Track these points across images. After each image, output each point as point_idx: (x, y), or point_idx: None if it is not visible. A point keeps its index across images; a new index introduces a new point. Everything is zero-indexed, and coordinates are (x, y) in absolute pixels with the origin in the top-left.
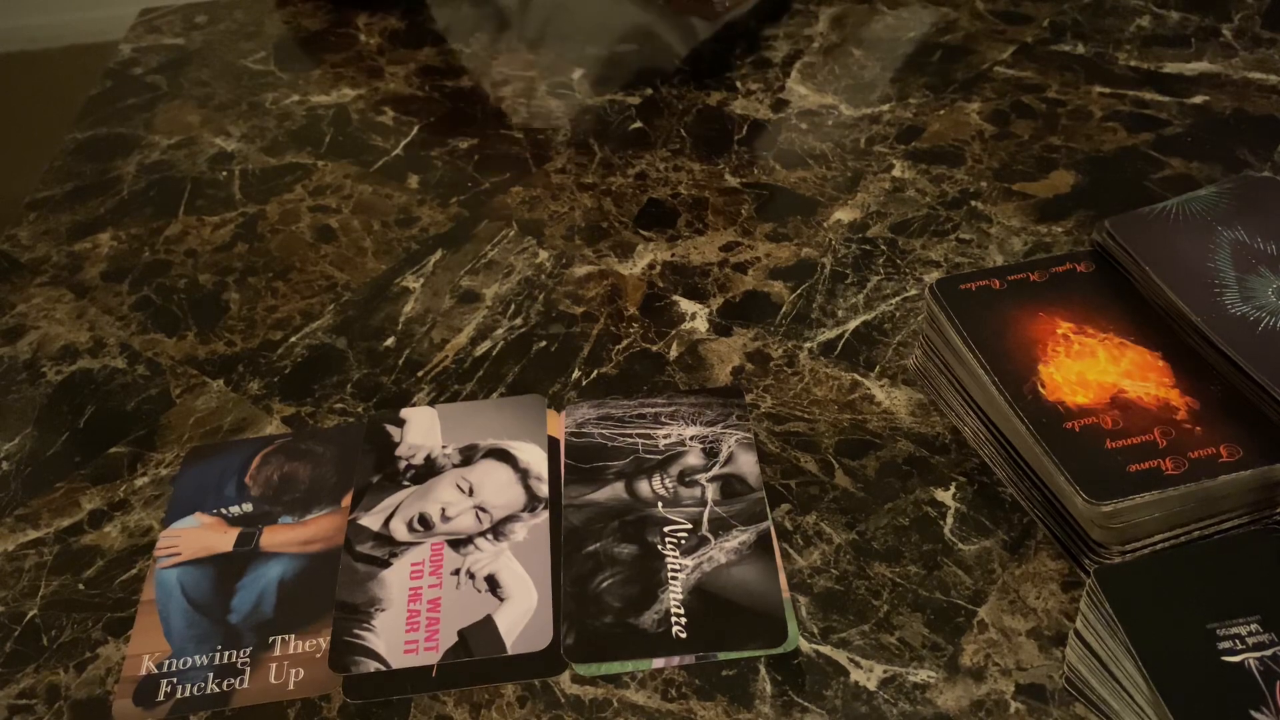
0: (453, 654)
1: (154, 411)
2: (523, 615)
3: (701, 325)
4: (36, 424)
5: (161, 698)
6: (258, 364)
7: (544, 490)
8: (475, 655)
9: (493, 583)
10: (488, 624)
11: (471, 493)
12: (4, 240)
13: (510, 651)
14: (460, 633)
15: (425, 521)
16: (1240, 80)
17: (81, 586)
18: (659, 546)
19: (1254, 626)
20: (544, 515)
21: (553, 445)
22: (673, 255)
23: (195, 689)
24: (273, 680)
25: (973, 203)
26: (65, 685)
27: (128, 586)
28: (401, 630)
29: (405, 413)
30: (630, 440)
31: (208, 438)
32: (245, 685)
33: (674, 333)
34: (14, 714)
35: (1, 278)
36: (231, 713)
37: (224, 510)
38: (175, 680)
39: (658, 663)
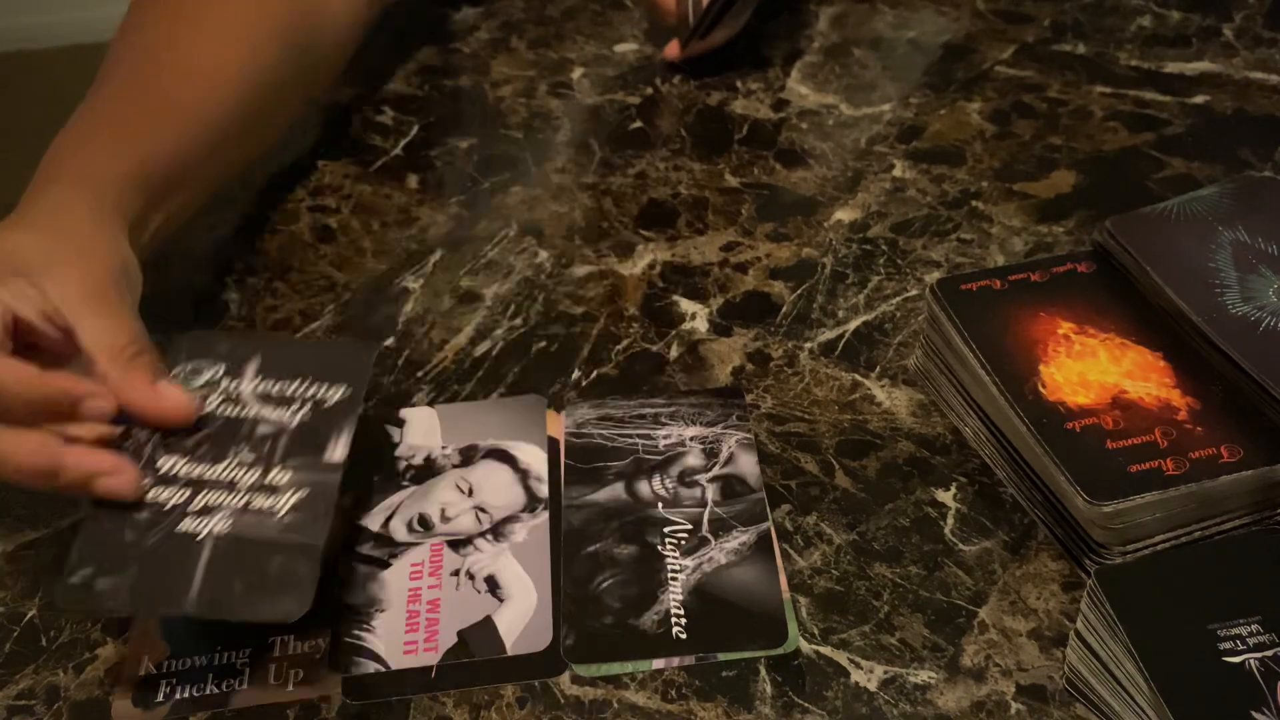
0: (452, 655)
1: None
2: (522, 616)
3: (701, 325)
4: None
5: (161, 698)
6: None
7: (544, 491)
8: (475, 656)
9: (492, 583)
10: (487, 625)
11: (471, 493)
12: None
13: (510, 652)
14: (460, 633)
15: (425, 522)
16: (1241, 80)
17: None
18: (659, 547)
19: (1254, 627)
20: (544, 516)
21: (553, 446)
22: (673, 255)
23: (194, 689)
24: (272, 680)
25: (973, 203)
26: (65, 685)
27: None
28: (401, 631)
29: (405, 413)
30: (630, 441)
31: None
32: (245, 686)
33: (674, 333)
34: (14, 714)
35: None
36: (231, 713)
37: None
38: (175, 680)
39: (658, 663)
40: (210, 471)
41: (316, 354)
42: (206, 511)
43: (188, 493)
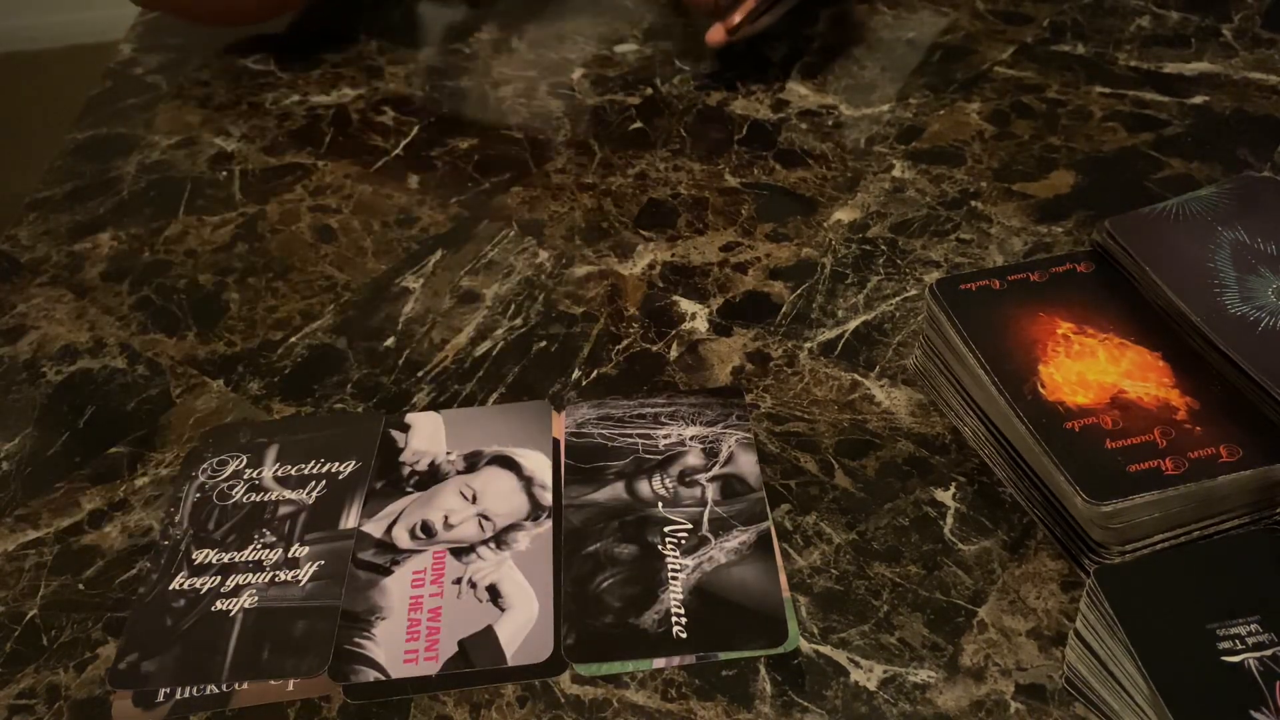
0: (452, 664)
1: (154, 411)
2: (524, 626)
3: (701, 325)
4: (36, 424)
5: (161, 698)
6: (258, 364)
7: (548, 499)
8: (475, 666)
9: (494, 592)
10: (488, 634)
11: (475, 500)
12: (4, 240)
13: (510, 663)
14: (460, 643)
15: (428, 529)
16: (1240, 80)
17: (81, 586)
18: (659, 546)
19: (1254, 626)
20: (547, 524)
21: (554, 447)
22: (673, 255)
23: (195, 689)
24: (273, 681)
25: (973, 203)
26: (65, 685)
27: (127, 586)
28: (401, 640)
29: (410, 418)
30: (630, 440)
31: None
32: (245, 685)
33: (674, 333)
34: (14, 714)
35: (1, 278)
36: (231, 713)
37: None
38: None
39: (658, 663)
40: (238, 556)
41: (329, 432)
42: (236, 591)
43: (219, 578)
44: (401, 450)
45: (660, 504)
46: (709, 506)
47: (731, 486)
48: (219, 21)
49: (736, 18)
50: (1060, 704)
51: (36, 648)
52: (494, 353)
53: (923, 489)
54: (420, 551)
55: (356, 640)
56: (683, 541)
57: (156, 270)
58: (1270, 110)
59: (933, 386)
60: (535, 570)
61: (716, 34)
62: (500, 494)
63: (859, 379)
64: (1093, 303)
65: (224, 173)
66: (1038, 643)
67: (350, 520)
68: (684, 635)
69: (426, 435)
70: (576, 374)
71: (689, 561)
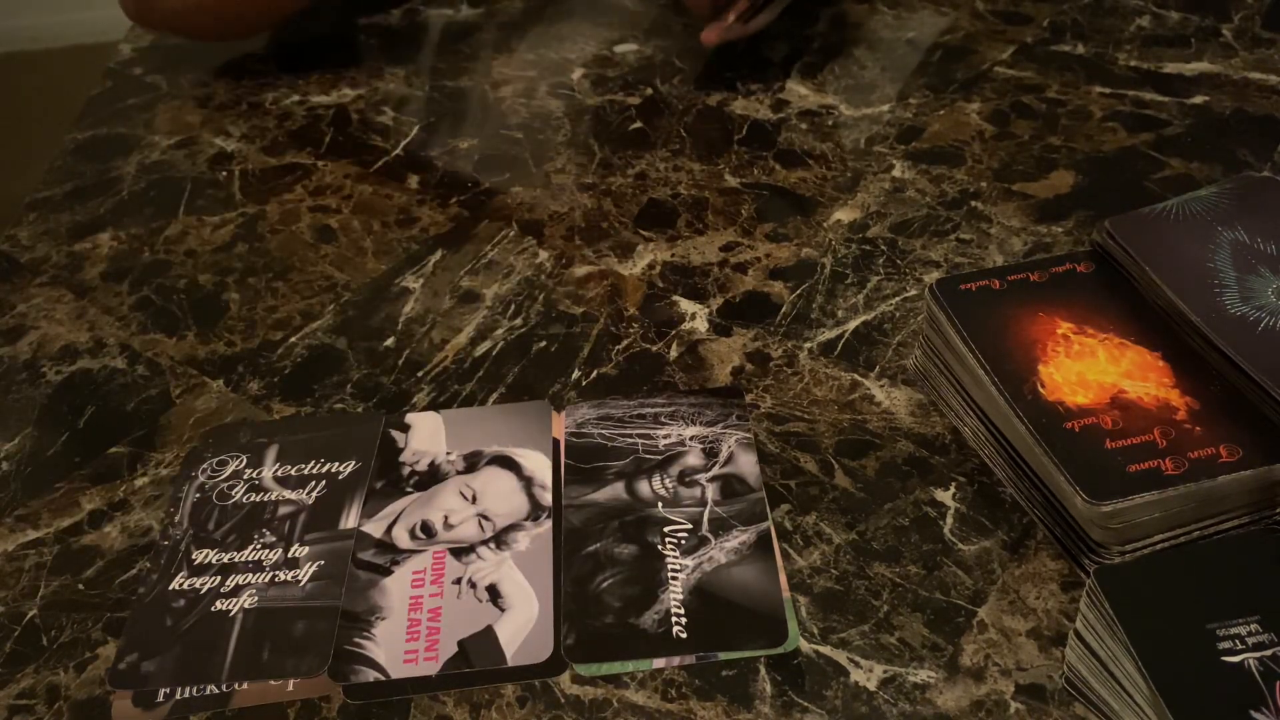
0: (452, 664)
1: (154, 411)
2: (523, 626)
3: (701, 325)
4: (36, 424)
5: (161, 698)
6: (258, 364)
7: (547, 499)
8: (475, 666)
9: (494, 592)
10: (488, 634)
11: (475, 500)
12: (4, 240)
13: (510, 663)
14: (460, 643)
15: (428, 529)
16: (1240, 80)
17: (81, 586)
18: (659, 546)
19: (1254, 626)
20: (547, 524)
21: (553, 446)
22: (673, 255)
23: (195, 689)
24: (273, 681)
25: (973, 203)
26: (65, 685)
27: (127, 586)
28: (402, 640)
29: (410, 418)
30: (630, 440)
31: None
32: (245, 686)
33: (674, 333)
34: (14, 714)
35: (1, 278)
36: (231, 713)
37: None
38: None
39: (658, 663)
40: (238, 556)
41: (328, 432)
42: (236, 591)
43: (219, 578)
44: (401, 450)
45: (660, 504)
46: (709, 506)
47: (731, 486)
48: (222, 37)
49: (730, 17)
50: (1060, 704)
51: (36, 648)
52: (494, 353)
53: (923, 489)
54: (420, 551)
55: (356, 640)
56: (683, 541)
57: (156, 270)
58: (1270, 110)
59: (933, 386)
60: (535, 570)
61: (711, 34)
62: (500, 494)
63: (859, 379)
64: (1093, 303)
65: (224, 173)
66: (1038, 643)
67: (350, 520)
68: (684, 635)
69: (426, 435)
70: (576, 374)
71: (689, 561)
